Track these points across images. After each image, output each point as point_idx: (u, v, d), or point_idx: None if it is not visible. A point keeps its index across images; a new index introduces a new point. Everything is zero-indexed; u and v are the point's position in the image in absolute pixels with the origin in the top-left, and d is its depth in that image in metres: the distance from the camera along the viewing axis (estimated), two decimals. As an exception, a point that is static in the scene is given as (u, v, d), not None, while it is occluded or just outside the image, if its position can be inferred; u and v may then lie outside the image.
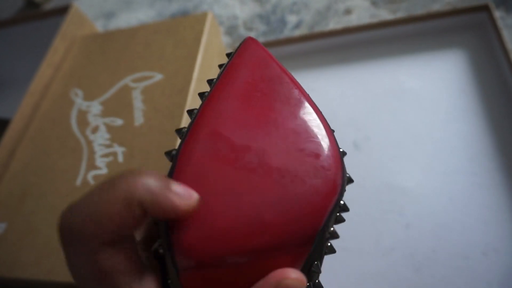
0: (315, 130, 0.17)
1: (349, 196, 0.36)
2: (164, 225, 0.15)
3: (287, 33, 0.52)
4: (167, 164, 0.33)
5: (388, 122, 0.39)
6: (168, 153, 0.18)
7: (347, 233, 0.36)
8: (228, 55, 0.21)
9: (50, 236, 0.33)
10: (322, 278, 0.35)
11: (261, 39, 0.53)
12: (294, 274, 0.15)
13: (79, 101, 0.41)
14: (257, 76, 0.19)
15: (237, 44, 0.53)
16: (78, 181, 0.35)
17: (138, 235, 0.18)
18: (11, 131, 0.40)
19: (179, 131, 0.18)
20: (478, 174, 0.34)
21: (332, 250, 0.17)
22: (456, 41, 0.42)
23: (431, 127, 0.38)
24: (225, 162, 0.16)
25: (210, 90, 0.19)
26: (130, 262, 0.14)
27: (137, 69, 0.41)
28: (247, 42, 0.20)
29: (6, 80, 0.65)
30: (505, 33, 0.39)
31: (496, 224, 0.32)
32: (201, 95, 0.19)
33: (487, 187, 0.34)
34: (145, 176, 0.14)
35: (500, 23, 0.39)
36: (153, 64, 0.40)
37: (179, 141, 0.18)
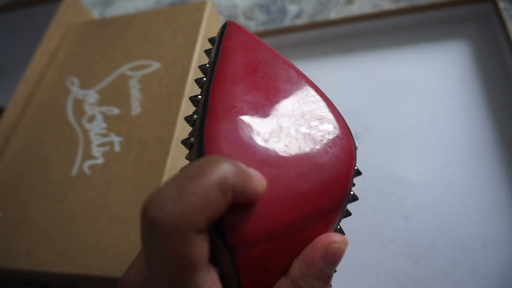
0: (320, 104, 0.18)
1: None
2: None
3: (287, 23, 0.51)
4: (164, 155, 0.32)
5: (389, 113, 0.39)
6: (185, 141, 0.17)
7: (345, 224, 0.36)
8: (211, 40, 0.21)
9: (44, 226, 0.32)
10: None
11: (261, 29, 0.52)
12: (337, 237, 0.16)
13: (75, 90, 0.40)
14: (252, 58, 0.19)
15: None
16: (74, 171, 0.35)
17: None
18: (5, 119, 0.39)
19: (189, 118, 0.18)
20: (479, 166, 0.34)
21: (348, 213, 0.18)
22: (460, 32, 0.42)
23: (432, 119, 0.37)
24: (252, 140, 0.16)
25: (211, 75, 0.19)
26: (207, 253, 0.14)
27: (134, 58, 0.40)
28: (230, 26, 0.20)
29: (8, 67, 0.64)
30: (510, 25, 0.38)
31: (495, 216, 0.32)
32: (199, 80, 0.19)
33: (488, 179, 0.33)
34: (227, 162, 0.14)
35: (505, 15, 0.38)
36: (150, 53, 0.39)
37: (189, 129, 0.18)
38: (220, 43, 0.20)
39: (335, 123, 0.18)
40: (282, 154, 0.16)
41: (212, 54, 0.20)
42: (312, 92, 0.19)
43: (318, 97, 0.19)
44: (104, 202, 0.32)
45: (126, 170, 0.33)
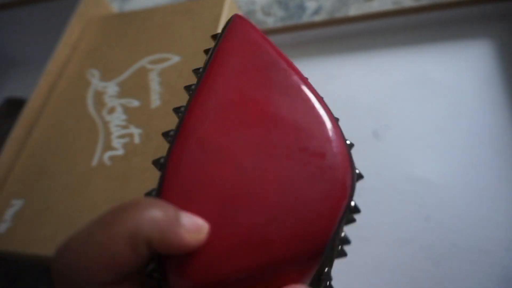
0: (318, 122, 0.15)
1: (367, 184, 0.36)
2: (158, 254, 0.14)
3: (305, 19, 0.51)
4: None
5: (410, 112, 0.38)
6: (156, 162, 0.16)
7: (363, 222, 0.35)
8: (214, 37, 0.19)
9: (66, 214, 0.33)
10: (338, 267, 0.35)
11: (279, 25, 0.52)
12: None
13: (96, 82, 0.41)
14: (249, 64, 0.17)
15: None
16: (94, 161, 0.35)
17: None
18: (28, 110, 0.40)
19: (166, 135, 0.16)
20: (504, 168, 0.33)
21: (342, 254, 0.16)
22: (484, 31, 0.41)
23: (455, 118, 0.36)
24: (218, 172, 0.14)
25: (198, 83, 0.17)
26: None
27: (154, 51, 0.40)
28: (235, 22, 0.18)
29: (20, 60, 0.65)
30: (537, 23, 0.37)
31: (520, 220, 0.31)
32: (188, 88, 0.18)
33: (512, 181, 0.33)
34: (150, 208, 0.12)
35: (532, 12, 0.37)
36: (170, 46, 0.40)
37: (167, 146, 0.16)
38: (217, 44, 0.18)
39: (331, 148, 0.15)
40: (251, 189, 0.14)
41: (207, 56, 0.18)
42: (310, 105, 0.16)
43: (316, 112, 0.16)
44: (124, 193, 0.32)
45: (146, 162, 0.33)
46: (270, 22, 0.53)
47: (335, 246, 0.15)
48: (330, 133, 0.15)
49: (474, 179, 0.34)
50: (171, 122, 0.34)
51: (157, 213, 0.12)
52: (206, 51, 0.18)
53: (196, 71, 0.18)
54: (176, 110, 0.17)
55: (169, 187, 0.15)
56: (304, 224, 0.14)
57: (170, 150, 0.16)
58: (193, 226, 0.13)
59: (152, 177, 0.32)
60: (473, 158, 0.35)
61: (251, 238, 0.14)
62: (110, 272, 0.12)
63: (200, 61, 0.37)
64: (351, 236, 0.36)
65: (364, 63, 0.43)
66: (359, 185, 0.39)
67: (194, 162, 0.15)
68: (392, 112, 0.39)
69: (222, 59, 0.17)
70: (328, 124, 0.15)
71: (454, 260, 0.31)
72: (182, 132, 0.16)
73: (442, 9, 0.42)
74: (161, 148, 0.33)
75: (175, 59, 0.38)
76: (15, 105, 0.54)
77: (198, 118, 0.16)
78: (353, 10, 0.49)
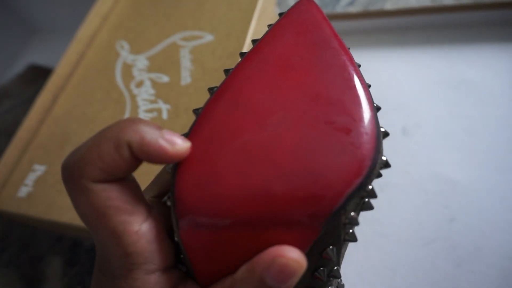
0: (353, 103, 0.15)
1: (392, 181, 0.35)
2: (172, 177, 0.15)
3: (339, 9, 0.50)
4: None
5: (441, 111, 0.37)
6: (195, 110, 0.17)
7: (386, 219, 0.35)
8: (280, 14, 0.19)
9: (89, 183, 0.33)
10: (356, 260, 0.34)
11: (311, 13, 0.51)
12: (292, 253, 0.14)
13: (125, 54, 0.40)
14: (302, 39, 0.18)
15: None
16: (120, 133, 0.35)
17: (154, 190, 0.18)
18: (56, 76, 0.40)
19: (210, 90, 0.18)
20: (537, 176, 0.32)
21: (352, 238, 0.15)
22: (524, 36, 0.40)
23: (488, 122, 0.36)
24: (244, 123, 0.15)
25: (249, 51, 0.18)
26: (124, 201, 0.15)
27: (187, 28, 0.39)
28: (301, 2, 0.19)
29: (43, 28, 0.65)
30: None
31: (547, 230, 0.30)
32: (242, 55, 0.19)
33: (543, 190, 0.32)
34: (139, 122, 0.15)
35: None
36: (204, 24, 0.39)
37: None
38: (278, 20, 0.19)
39: (358, 127, 0.15)
40: (269, 146, 0.15)
41: (267, 30, 0.19)
42: (351, 86, 0.16)
43: (354, 93, 0.16)
44: (149, 167, 0.32)
45: (173, 138, 0.33)
46: (302, 10, 0.52)
47: (341, 224, 0.15)
48: (362, 114, 0.15)
49: (501, 183, 0.33)
50: (201, 100, 0.34)
51: (143, 126, 0.15)
52: (269, 26, 0.19)
53: (254, 41, 0.19)
54: (226, 71, 0.18)
55: (196, 130, 0.16)
56: (310, 189, 0.14)
57: (207, 101, 0.17)
58: (171, 138, 0.15)
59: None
60: (501, 162, 0.34)
61: (257, 188, 0.14)
62: (98, 168, 0.14)
63: (233, 42, 0.36)
64: (372, 232, 0.35)
65: (396, 59, 0.42)
66: (382, 180, 0.38)
67: (224, 112, 0.16)
68: (422, 110, 0.38)
69: (278, 32, 0.18)
70: (363, 106, 0.16)
71: (476, 263, 0.30)
72: (222, 86, 0.17)
73: (482, 10, 0.41)
74: (189, 125, 0.33)
75: (208, 37, 0.38)
76: (38, 72, 0.54)
77: (239, 77, 0.17)
78: (389, 5, 0.48)
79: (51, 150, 0.36)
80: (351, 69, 0.17)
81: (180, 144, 0.15)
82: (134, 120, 0.15)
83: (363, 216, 0.33)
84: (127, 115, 0.36)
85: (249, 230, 0.14)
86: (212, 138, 0.15)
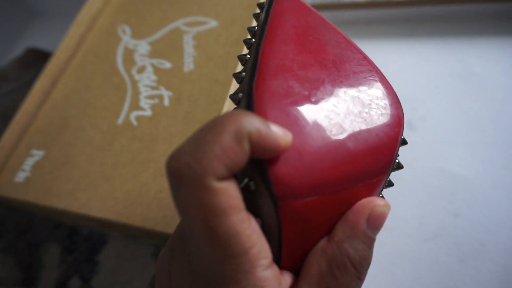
0: (370, 71, 0.18)
1: (396, 174, 0.35)
2: (258, 161, 0.15)
3: (346, -1, 0.49)
4: (214, 113, 0.31)
5: (449, 105, 0.37)
6: (233, 96, 0.17)
7: (389, 213, 0.35)
8: (260, 5, 0.21)
9: (87, 170, 0.32)
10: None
11: (318, 1, 0.49)
12: (381, 201, 0.16)
13: (126, 39, 0.39)
14: (303, 22, 0.19)
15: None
16: (120, 120, 0.34)
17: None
18: (56, 60, 0.39)
19: (237, 75, 0.18)
20: (545, 172, 0.32)
21: (390, 184, 0.18)
22: (535, 30, 0.39)
23: (496, 117, 0.35)
24: (301, 96, 0.16)
25: (261, 35, 0.19)
26: (239, 198, 0.14)
27: (190, 13, 0.38)
28: None
29: (42, 11, 0.64)
30: None
31: (553, 227, 0.30)
32: (248, 41, 0.19)
33: (550, 187, 0.31)
34: (246, 115, 0.14)
35: None
36: (208, 10, 0.38)
37: (236, 85, 0.19)
38: (270, 6, 0.20)
39: (383, 89, 0.18)
40: (330, 112, 0.16)
41: (262, 17, 0.20)
42: (361, 59, 0.19)
43: (367, 65, 0.18)
44: (150, 155, 0.31)
45: (175, 125, 0.32)
46: (308, -2, 0.50)
47: (394, 166, 0.18)
48: (382, 78, 0.18)
49: (507, 179, 0.32)
50: (204, 87, 0.33)
51: (254, 118, 0.14)
52: (256, 15, 0.20)
53: (251, 28, 0.20)
54: (242, 57, 0.19)
55: (258, 110, 0.16)
56: (376, 142, 0.16)
57: (250, 81, 0.17)
58: (279, 131, 0.15)
59: (181, 141, 0.31)
60: (508, 158, 0.33)
61: (336, 150, 0.16)
62: (223, 164, 0.13)
63: (239, 29, 0.35)
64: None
65: (403, 50, 0.41)
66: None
67: (279, 88, 0.16)
68: (429, 103, 0.38)
69: (279, 17, 0.19)
70: (378, 72, 0.18)
71: (480, 259, 0.30)
72: (262, 65, 0.17)
73: (492, 2, 0.40)
74: (192, 113, 0.32)
75: (212, 23, 0.37)
76: (37, 56, 0.53)
77: (274, 56, 0.18)
78: (397, -5, 0.47)
79: (49, 135, 0.36)
80: (351, 43, 0.19)
81: (289, 135, 0.15)
82: (243, 113, 0.14)
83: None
84: (128, 101, 0.35)
85: (339, 189, 0.16)
86: (279, 114, 0.16)
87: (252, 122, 0.14)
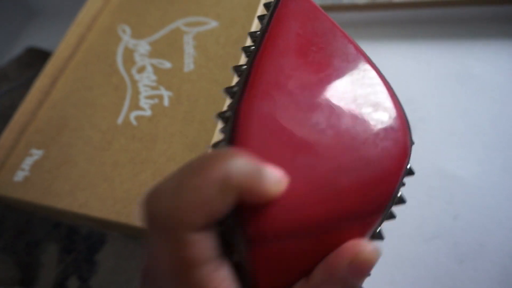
0: (378, 89, 0.16)
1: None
2: None
3: (346, 0, 0.49)
4: (214, 113, 0.31)
5: (448, 107, 0.37)
6: (221, 115, 0.16)
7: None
8: (267, 5, 0.19)
9: (86, 169, 0.32)
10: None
11: (318, 2, 0.50)
12: (369, 247, 0.14)
13: (126, 38, 0.39)
14: (308, 28, 0.17)
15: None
16: (120, 120, 0.34)
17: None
18: (55, 59, 0.39)
19: (229, 90, 0.16)
20: (544, 174, 0.32)
21: (392, 216, 0.16)
22: (534, 32, 0.39)
23: (495, 119, 0.35)
24: (292, 122, 0.15)
25: (259, 44, 0.17)
26: (214, 249, 0.13)
27: (191, 13, 0.38)
28: None
29: (41, 10, 0.64)
30: None
31: (552, 229, 0.30)
32: (246, 49, 0.18)
33: (548, 189, 0.31)
34: (237, 157, 0.13)
35: None
36: (208, 10, 0.38)
37: (228, 101, 0.17)
38: (275, 9, 0.18)
39: (391, 112, 0.15)
40: (324, 141, 0.14)
41: (265, 21, 0.18)
42: (370, 73, 0.17)
43: (376, 80, 0.16)
44: (149, 155, 0.31)
45: (174, 125, 0.32)
46: (308, -1, 0.51)
47: (393, 205, 0.15)
48: (389, 98, 0.16)
49: (506, 181, 0.33)
50: (204, 87, 0.33)
51: (245, 163, 0.13)
52: (261, 17, 0.19)
53: (252, 33, 0.18)
54: (237, 68, 0.17)
55: (242, 137, 0.14)
56: (372, 177, 0.14)
57: (239, 101, 0.15)
58: (274, 178, 0.13)
59: (180, 142, 0.31)
60: (507, 160, 0.33)
61: (324, 187, 0.14)
62: (203, 216, 0.12)
63: (239, 29, 0.35)
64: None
65: (403, 52, 0.42)
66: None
67: (267, 112, 0.15)
68: (429, 104, 0.38)
69: (281, 23, 0.17)
70: (386, 91, 0.16)
71: (479, 260, 0.30)
72: (253, 83, 0.16)
73: (492, 5, 0.40)
74: (192, 113, 0.32)
75: (212, 24, 0.37)
76: (36, 55, 0.53)
77: (269, 72, 0.16)
78: (397, -3, 0.47)
79: (48, 135, 0.36)
80: (362, 56, 0.17)
81: (282, 183, 0.13)
82: (232, 155, 0.13)
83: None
84: (127, 100, 0.35)
85: (323, 230, 0.14)
86: (262, 145, 0.14)
87: (244, 171, 0.12)
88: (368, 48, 0.43)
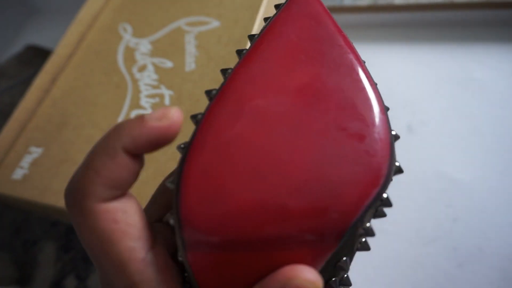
0: (364, 106, 0.15)
1: (395, 178, 0.35)
2: (175, 195, 0.14)
3: (348, 2, 0.49)
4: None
5: (448, 110, 0.37)
6: (193, 117, 0.16)
7: (388, 216, 0.35)
8: (276, 6, 0.18)
9: (86, 168, 0.32)
10: (356, 257, 0.34)
11: (319, 5, 0.50)
12: (307, 274, 0.13)
13: (127, 37, 0.39)
14: (304, 34, 0.16)
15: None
16: (120, 118, 0.34)
17: (155, 210, 0.17)
18: (55, 57, 0.39)
19: (209, 93, 0.16)
20: (543, 178, 0.32)
21: (366, 247, 0.15)
22: (534, 37, 0.39)
23: (495, 122, 0.35)
24: (251, 133, 0.14)
25: (249, 48, 0.17)
26: (129, 224, 0.13)
27: (192, 13, 0.38)
28: None
29: (41, 8, 0.63)
30: None
31: (550, 233, 0.30)
32: (239, 52, 0.17)
33: (547, 193, 0.32)
34: (121, 124, 0.14)
35: None
36: (210, 10, 0.38)
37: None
38: (278, 12, 0.17)
39: (372, 133, 0.14)
40: (281, 157, 0.14)
41: (265, 24, 0.17)
42: (360, 87, 0.15)
43: (365, 96, 0.15)
44: (150, 154, 0.31)
45: (175, 125, 0.32)
46: (309, 1, 0.51)
47: (357, 236, 0.14)
48: (375, 118, 0.14)
49: (505, 185, 0.33)
50: (205, 87, 0.33)
51: (124, 124, 0.14)
52: (266, 19, 0.18)
53: (251, 36, 0.18)
54: (224, 71, 0.17)
55: (198, 140, 0.14)
56: (327, 203, 0.13)
57: (208, 107, 0.15)
58: (158, 114, 0.14)
59: (181, 140, 0.31)
60: (506, 164, 0.34)
61: (270, 204, 0.13)
62: (100, 185, 0.13)
63: (240, 29, 0.35)
64: (374, 228, 0.35)
65: (404, 55, 0.42)
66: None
67: (228, 120, 0.15)
68: (428, 108, 0.38)
69: (277, 27, 0.17)
70: (375, 109, 0.15)
71: (478, 264, 0.30)
72: (223, 90, 0.15)
73: (493, 9, 0.40)
74: (193, 112, 0.32)
75: (214, 23, 0.37)
76: (35, 53, 0.52)
77: (240, 80, 0.16)
78: None
79: (48, 133, 0.35)
80: (359, 69, 0.16)
81: (171, 113, 0.14)
82: (116, 125, 0.14)
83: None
84: (128, 99, 0.35)
85: (261, 248, 0.13)
86: (216, 150, 0.14)
87: (122, 131, 0.13)
88: (368, 50, 0.43)
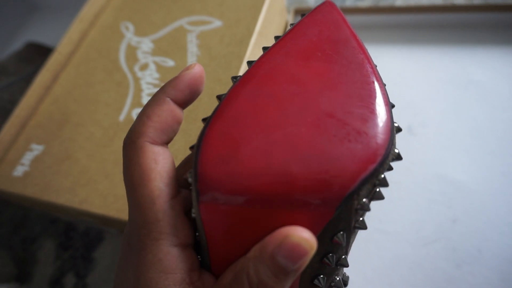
0: (370, 97, 0.17)
1: (395, 179, 0.35)
2: (195, 153, 0.16)
3: (349, 3, 0.49)
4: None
5: (448, 111, 0.37)
6: (219, 96, 0.18)
7: (387, 217, 0.35)
8: (303, 15, 0.21)
9: (87, 166, 0.32)
10: (355, 256, 0.34)
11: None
12: (303, 233, 0.14)
13: (129, 36, 0.39)
14: (323, 36, 0.19)
15: (295, 7, 0.50)
16: (122, 117, 0.34)
17: (181, 171, 0.19)
18: (57, 54, 0.39)
19: (234, 78, 0.19)
20: (542, 180, 0.32)
21: (363, 226, 0.16)
22: (534, 40, 0.40)
23: (495, 124, 0.36)
24: (266, 108, 0.16)
25: (273, 44, 0.19)
26: (166, 170, 0.16)
27: (194, 12, 0.38)
28: (324, 4, 0.20)
29: (42, 5, 0.63)
30: None
31: (548, 235, 0.30)
32: (265, 49, 0.20)
33: (546, 195, 0.32)
34: (170, 81, 0.18)
35: None
36: (212, 9, 0.38)
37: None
38: (305, 15, 0.20)
39: (374, 119, 0.16)
40: (290, 130, 0.16)
41: (289, 27, 0.20)
42: (368, 82, 0.17)
43: (371, 89, 0.17)
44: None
45: (177, 124, 0.32)
46: (312, 2, 0.51)
47: (353, 209, 0.15)
48: (378, 107, 0.16)
49: (505, 186, 0.33)
50: (207, 86, 0.33)
51: (170, 81, 0.18)
52: (292, 24, 0.21)
53: (277, 38, 0.20)
54: (249, 63, 0.19)
55: (220, 113, 0.17)
56: (327, 171, 0.15)
57: (231, 88, 0.18)
58: (186, 67, 0.18)
59: (183, 140, 0.31)
60: (506, 165, 0.34)
61: (276, 168, 0.15)
62: (151, 127, 0.17)
63: (243, 29, 0.35)
64: (373, 229, 0.35)
65: (405, 56, 0.42)
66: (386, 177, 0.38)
67: (247, 98, 0.17)
68: (429, 109, 0.38)
69: (301, 28, 0.19)
70: (380, 100, 0.16)
71: (477, 265, 0.30)
72: (246, 75, 0.18)
73: (493, 11, 0.41)
74: (195, 111, 0.32)
75: (216, 23, 0.37)
76: (36, 50, 0.52)
77: (262, 67, 0.18)
78: (400, 1, 0.48)
79: (49, 130, 0.35)
80: (368, 66, 0.18)
81: (194, 64, 0.18)
82: (169, 81, 0.18)
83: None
84: (130, 97, 0.35)
85: (265, 208, 0.15)
86: (235, 120, 0.16)
87: (164, 86, 0.17)
88: (370, 51, 0.43)
